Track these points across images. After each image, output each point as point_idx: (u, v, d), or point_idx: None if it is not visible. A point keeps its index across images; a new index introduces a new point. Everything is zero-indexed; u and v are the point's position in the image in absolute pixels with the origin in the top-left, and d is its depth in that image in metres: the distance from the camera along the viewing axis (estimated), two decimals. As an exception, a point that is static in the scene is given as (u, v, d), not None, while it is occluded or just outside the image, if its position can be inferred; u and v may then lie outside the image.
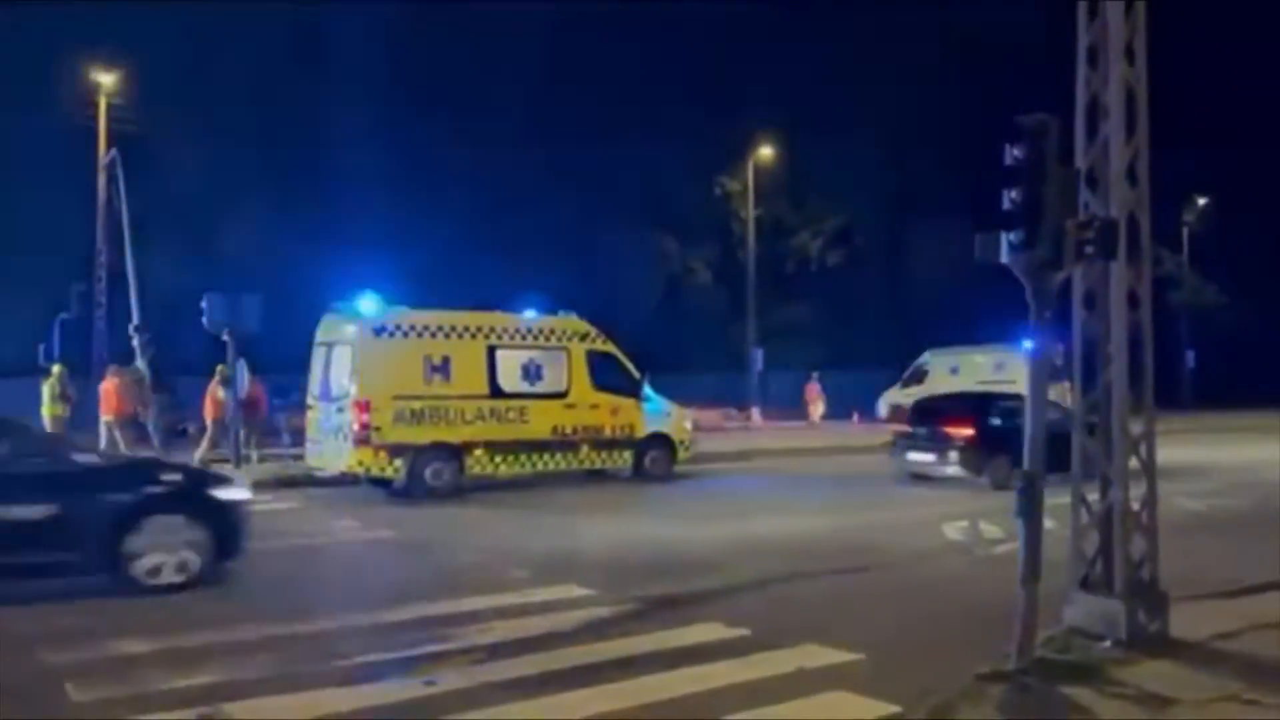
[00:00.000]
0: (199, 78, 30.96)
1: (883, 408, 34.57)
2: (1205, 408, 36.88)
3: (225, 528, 9.95)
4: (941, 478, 18.31)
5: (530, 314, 18.30)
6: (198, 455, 19.50)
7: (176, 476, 10.44)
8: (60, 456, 10.28)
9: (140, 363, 22.44)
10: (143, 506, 9.66)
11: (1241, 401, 37.57)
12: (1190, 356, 44.33)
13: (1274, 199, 46.40)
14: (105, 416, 20.27)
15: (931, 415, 19.33)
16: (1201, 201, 47.58)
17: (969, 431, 18.15)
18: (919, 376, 34.07)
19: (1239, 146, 45.81)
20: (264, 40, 32.04)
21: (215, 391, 20.29)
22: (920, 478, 18.67)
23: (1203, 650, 7.26)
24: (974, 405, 19.37)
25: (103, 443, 19.69)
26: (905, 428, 19.86)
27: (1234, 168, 45.14)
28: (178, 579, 9.60)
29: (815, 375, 35.64)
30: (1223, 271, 48.22)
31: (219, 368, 20.17)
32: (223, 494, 10.23)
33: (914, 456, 18.91)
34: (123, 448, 19.54)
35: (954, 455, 18.12)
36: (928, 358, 34.28)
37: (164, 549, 9.61)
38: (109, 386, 20.52)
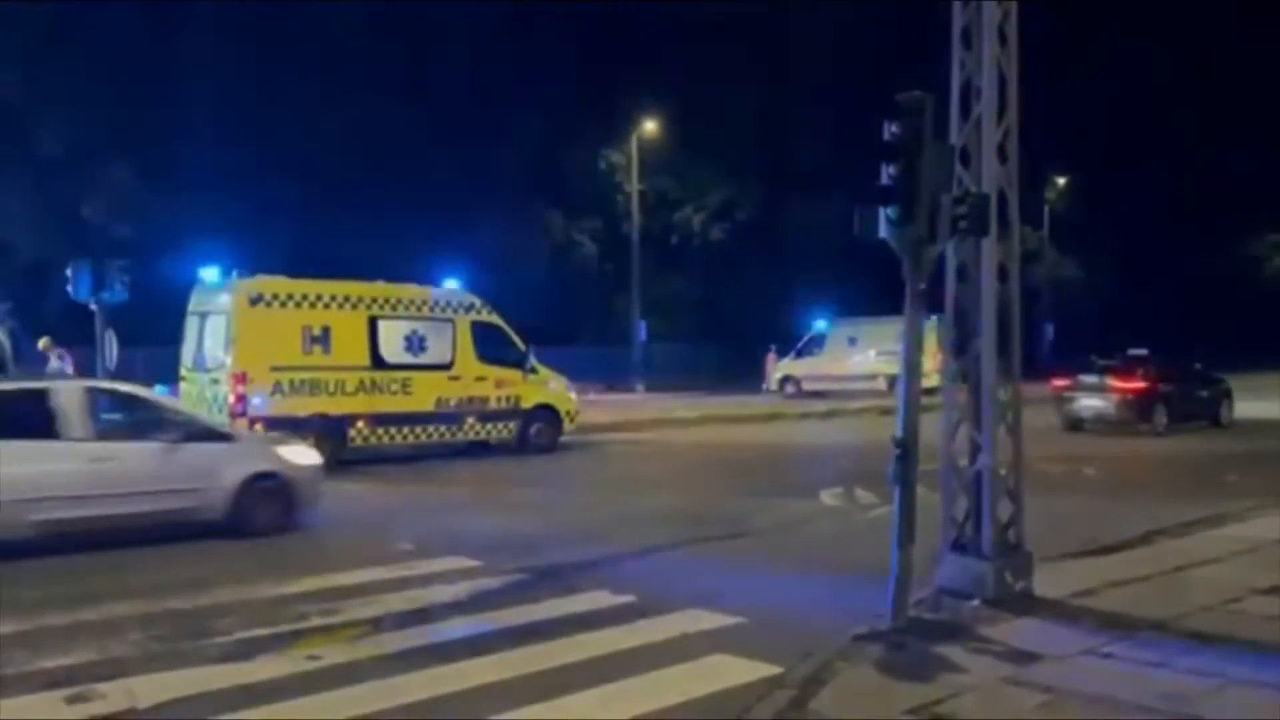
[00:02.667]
0: (57, 35, 29.35)
1: (772, 378, 35.08)
2: (1062, 376, 38.52)
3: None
4: (1110, 422, 21.95)
5: (413, 285, 18.03)
6: None
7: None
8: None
9: (1, 334, 21.30)
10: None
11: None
12: (1049, 328, 46.26)
13: (1127, 179, 48.79)
14: None
15: (1101, 371, 22.88)
16: (1061, 181, 49.58)
17: (1136, 385, 21.93)
18: (814, 347, 34.68)
19: (1095, 128, 47.99)
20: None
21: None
22: (1078, 425, 22.37)
23: (1064, 607, 7.64)
24: (1138, 365, 22.74)
25: None
26: (1070, 381, 23.30)
27: (1090, 149, 47.26)
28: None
29: (774, 347, 35.78)
30: (1079, 247, 50.53)
31: (41, 341, 19.30)
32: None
33: (1086, 403, 22.53)
34: None
35: (1120, 405, 21.90)
36: (823, 328, 34.84)
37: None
38: None
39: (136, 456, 10.50)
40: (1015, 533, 7.96)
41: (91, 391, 10.95)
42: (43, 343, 19.38)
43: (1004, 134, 7.86)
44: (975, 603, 7.56)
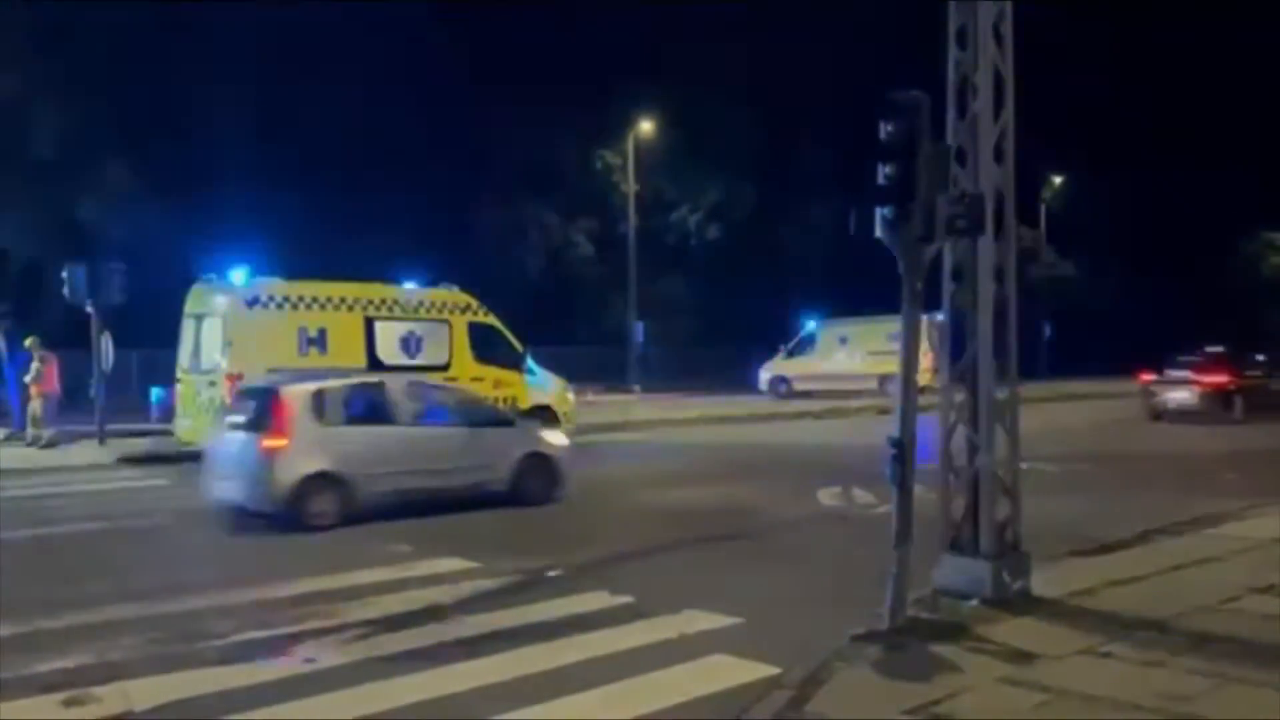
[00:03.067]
0: (52, 35, 29.28)
1: (763, 378, 35.16)
2: (1060, 376, 38.68)
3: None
4: (1195, 413, 24.10)
5: (410, 286, 18.02)
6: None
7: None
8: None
9: None
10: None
11: (1093, 369, 39.59)
12: (1047, 327, 46.32)
13: (1124, 177, 48.85)
14: None
15: (1186, 366, 25.17)
16: (1058, 180, 49.61)
17: (1218, 379, 24.33)
18: (805, 347, 34.76)
19: (1091, 127, 48.08)
20: (127, 2, 30.49)
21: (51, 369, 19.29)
22: (1161, 416, 24.80)
23: (1062, 607, 7.64)
24: (1218, 360, 25.12)
25: None
26: (1156, 375, 25.69)
27: (1086, 148, 47.35)
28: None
29: (783, 347, 35.75)
30: (1076, 247, 50.60)
31: (28, 341, 19.29)
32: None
33: (1172, 395, 24.94)
34: None
35: (1204, 397, 24.21)
36: (814, 328, 34.91)
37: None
38: None
39: (450, 438, 12.53)
40: (1013, 532, 7.95)
41: (414, 385, 13.43)
42: (29, 342, 19.40)
43: (1000, 134, 7.85)
44: (973, 602, 7.55)
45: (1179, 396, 24.83)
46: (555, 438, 13.83)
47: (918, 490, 7.16)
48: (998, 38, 7.82)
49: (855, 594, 7.75)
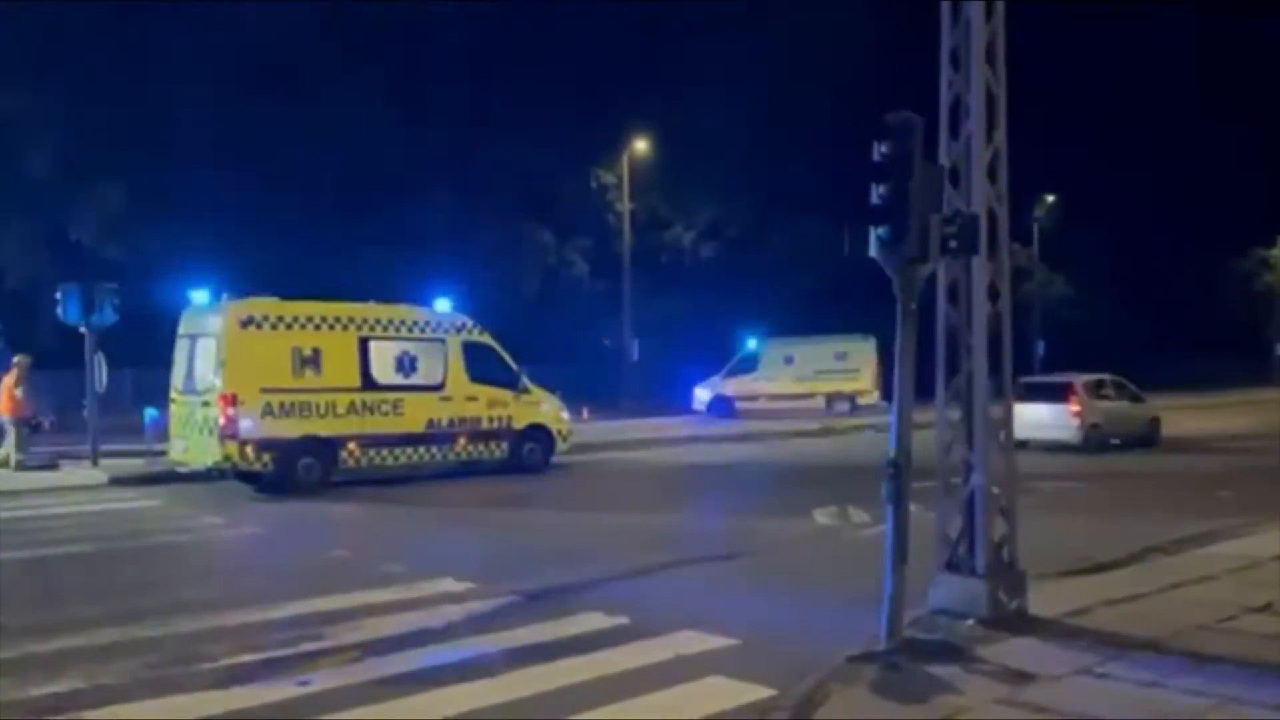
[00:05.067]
0: (43, 54, 29.34)
1: (701, 398, 33.89)
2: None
3: None
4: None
5: (405, 305, 18.02)
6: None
7: None
8: None
9: None
10: None
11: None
12: (1040, 345, 46.37)
13: (1113, 196, 49.08)
14: None
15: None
16: (1050, 198, 49.84)
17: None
18: (746, 366, 34.12)
19: (1083, 145, 48.33)
20: (120, 24, 30.58)
21: (9, 387, 19.09)
22: None
23: (1058, 626, 7.61)
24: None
25: None
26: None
27: (1077, 166, 47.55)
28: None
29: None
30: (1068, 264, 50.76)
31: (16, 359, 19.19)
32: None
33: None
34: None
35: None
36: (756, 347, 34.37)
37: None
38: None
39: None
40: (1009, 551, 7.94)
41: None
42: (18, 359, 19.35)
43: (993, 154, 7.89)
44: (970, 622, 7.53)
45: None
46: None
47: (914, 509, 7.15)
48: (990, 58, 7.87)
49: (851, 614, 7.73)
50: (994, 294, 7.91)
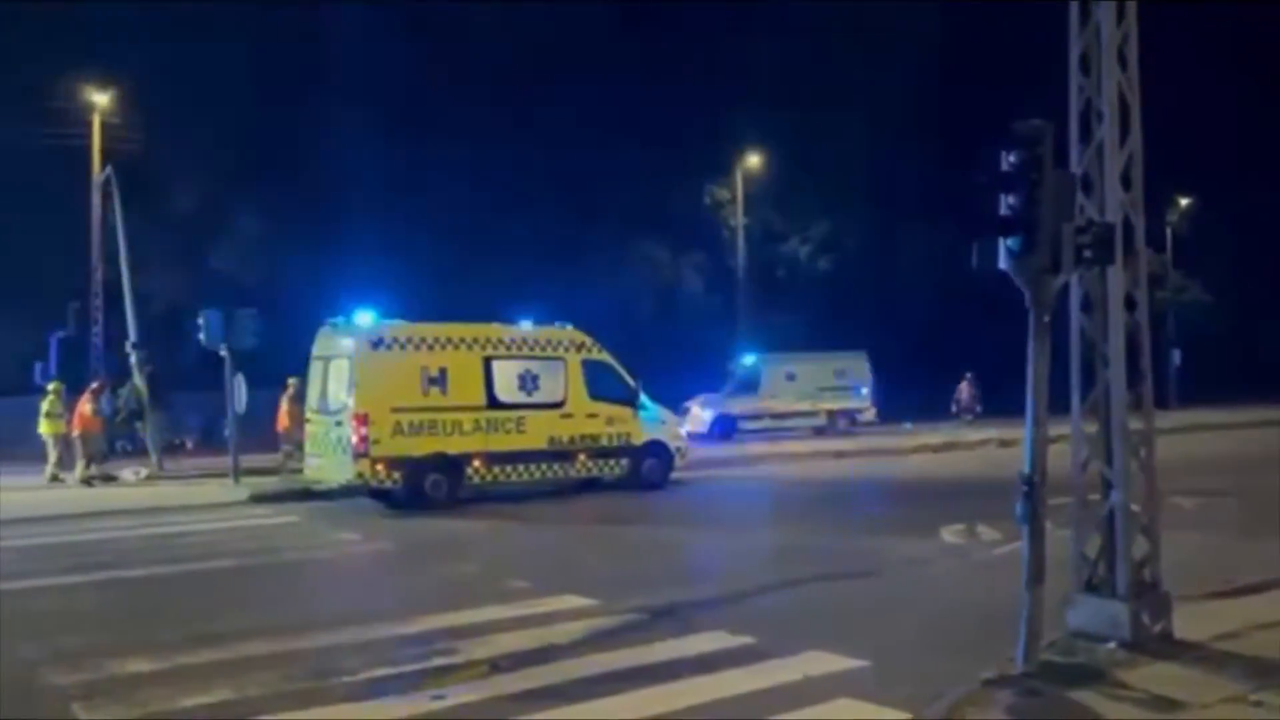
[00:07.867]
0: (191, 93, 30.94)
1: (702, 418, 30.89)
2: (1191, 405, 37.01)
3: None
4: None
5: (526, 325, 18.32)
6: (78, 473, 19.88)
7: None
8: None
9: (138, 379, 22.41)
10: None
11: (1225, 398, 37.83)
12: (1176, 355, 44.48)
13: (1251, 198, 46.79)
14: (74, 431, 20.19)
15: None
16: (1185, 201, 47.85)
17: None
18: (747, 384, 32.25)
19: (1219, 146, 46.23)
20: (256, 56, 32.11)
21: (84, 407, 20.23)
22: None
23: (1206, 651, 7.28)
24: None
25: (52, 457, 20.05)
26: None
27: (1213, 168, 45.52)
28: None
29: (969, 376, 33.90)
30: (1204, 270, 48.54)
31: (51, 386, 20.48)
32: None
33: None
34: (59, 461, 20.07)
35: None
36: (756, 364, 32.72)
37: None
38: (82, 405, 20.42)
39: None
40: (1151, 571, 7.63)
41: None
42: (52, 386, 20.79)
43: (1128, 159, 7.62)
44: (1111, 645, 7.26)
45: None
46: None
47: (1048, 527, 6.93)
48: (1122, 62, 7.61)
49: (984, 635, 7.53)
50: (1130, 303, 7.63)
